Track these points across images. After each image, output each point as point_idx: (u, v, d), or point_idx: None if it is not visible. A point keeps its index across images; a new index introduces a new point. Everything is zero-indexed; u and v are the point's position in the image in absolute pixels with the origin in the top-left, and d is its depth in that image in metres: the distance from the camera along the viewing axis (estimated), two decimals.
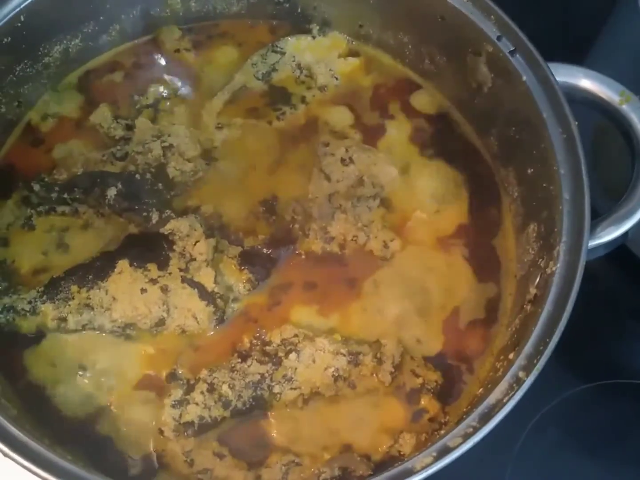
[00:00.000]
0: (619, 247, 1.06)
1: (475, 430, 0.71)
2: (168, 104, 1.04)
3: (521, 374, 0.75)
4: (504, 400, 0.73)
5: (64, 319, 0.88)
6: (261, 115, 1.04)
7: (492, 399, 0.74)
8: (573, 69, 0.90)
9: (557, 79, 0.88)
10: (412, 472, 0.70)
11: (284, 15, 1.10)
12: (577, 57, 1.04)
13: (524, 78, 0.89)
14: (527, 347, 0.76)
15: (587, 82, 0.90)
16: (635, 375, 1.05)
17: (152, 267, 0.89)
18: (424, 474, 0.69)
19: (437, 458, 0.70)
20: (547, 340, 0.75)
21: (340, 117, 1.04)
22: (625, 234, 0.86)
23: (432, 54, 1.03)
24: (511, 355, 0.79)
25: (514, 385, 0.74)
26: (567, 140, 0.85)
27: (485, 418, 0.72)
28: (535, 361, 0.74)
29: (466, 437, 0.71)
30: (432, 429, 0.85)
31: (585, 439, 1.02)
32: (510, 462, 0.98)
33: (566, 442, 1.02)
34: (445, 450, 0.70)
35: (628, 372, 1.06)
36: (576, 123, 0.85)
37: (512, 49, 0.90)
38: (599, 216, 0.85)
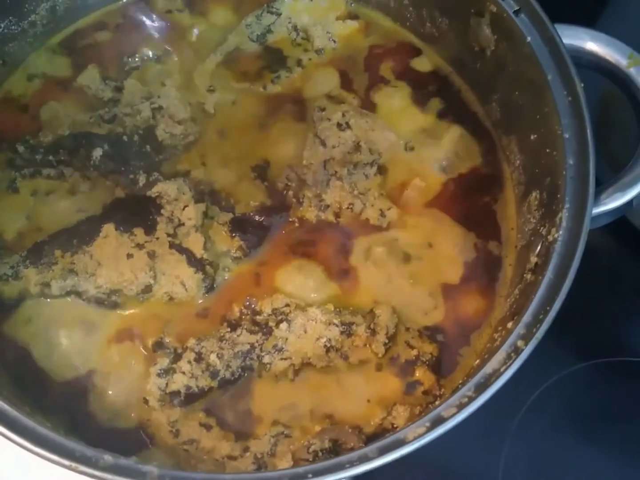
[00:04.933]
0: (623, 222, 1.03)
1: (471, 400, 0.68)
2: (158, 65, 1.01)
3: (520, 343, 0.71)
4: (501, 370, 0.70)
5: (47, 285, 0.86)
6: (255, 78, 1.01)
7: (488, 368, 0.71)
8: (579, 31, 0.87)
9: (563, 41, 0.84)
10: (404, 442, 0.67)
11: None
12: (586, 19, 1.00)
13: (529, 39, 0.86)
14: (527, 316, 0.73)
15: (594, 44, 0.87)
16: (638, 353, 1.02)
17: (138, 231, 0.87)
18: (417, 445, 0.66)
19: (430, 428, 0.67)
20: (548, 308, 0.72)
21: (335, 81, 1.00)
22: (630, 203, 0.82)
23: (434, 16, 1.00)
24: (510, 325, 0.76)
25: (512, 354, 0.71)
26: (572, 102, 0.82)
27: (481, 388, 0.69)
28: (534, 330, 0.71)
29: (461, 407, 0.68)
30: (427, 402, 0.82)
31: (585, 417, 0.99)
32: (508, 440, 0.95)
33: (565, 420, 0.99)
34: (438, 420, 0.67)
35: (630, 350, 1.03)
36: (582, 85, 0.82)
37: (516, 8, 0.87)
38: None
